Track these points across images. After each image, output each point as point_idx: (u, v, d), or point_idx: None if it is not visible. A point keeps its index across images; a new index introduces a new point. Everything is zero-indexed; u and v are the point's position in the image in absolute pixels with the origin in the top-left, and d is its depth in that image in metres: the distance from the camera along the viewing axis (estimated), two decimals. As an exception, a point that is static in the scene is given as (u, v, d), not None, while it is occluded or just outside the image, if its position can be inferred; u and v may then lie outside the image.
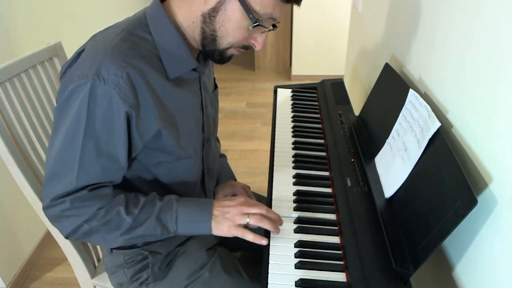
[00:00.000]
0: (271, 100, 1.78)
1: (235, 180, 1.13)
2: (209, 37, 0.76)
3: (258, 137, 2.77)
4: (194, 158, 0.88)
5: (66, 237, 0.78)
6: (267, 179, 1.00)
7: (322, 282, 0.72)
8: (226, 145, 2.62)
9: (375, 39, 1.45)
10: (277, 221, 0.82)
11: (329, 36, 3.56)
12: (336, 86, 1.40)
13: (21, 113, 0.98)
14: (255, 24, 0.72)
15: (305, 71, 3.73)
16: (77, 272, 1.09)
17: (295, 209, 0.88)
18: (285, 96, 1.41)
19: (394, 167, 0.85)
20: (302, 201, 0.91)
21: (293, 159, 1.06)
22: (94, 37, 0.80)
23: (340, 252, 0.78)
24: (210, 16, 0.73)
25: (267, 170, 1.04)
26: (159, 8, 0.76)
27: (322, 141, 1.15)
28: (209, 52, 0.79)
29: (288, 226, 0.83)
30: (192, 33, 0.78)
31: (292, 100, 1.38)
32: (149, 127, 0.76)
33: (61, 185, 0.73)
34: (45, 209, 0.76)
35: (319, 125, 1.22)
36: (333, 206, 0.89)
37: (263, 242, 0.78)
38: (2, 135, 0.90)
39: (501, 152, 0.62)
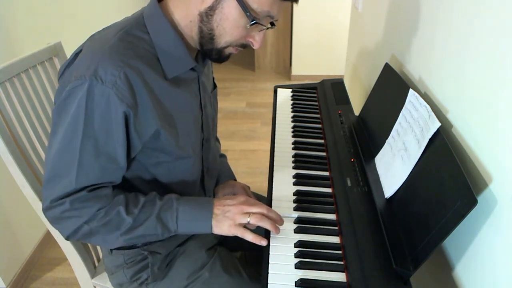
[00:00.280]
0: (271, 100, 1.78)
1: (235, 180, 1.13)
2: (206, 36, 0.75)
3: (258, 137, 2.77)
4: (193, 158, 0.88)
5: (67, 239, 0.78)
6: (267, 179, 1.00)
7: (322, 282, 0.72)
8: (226, 145, 2.62)
9: (375, 39, 1.45)
10: (278, 221, 0.82)
11: (329, 36, 3.56)
12: (336, 86, 1.40)
13: (21, 113, 0.98)
14: (252, 22, 0.72)
15: (305, 71, 3.73)
16: (77, 272, 1.09)
17: (295, 209, 0.88)
18: (285, 96, 1.41)
19: (394, 167, 0.85)
20: (302, 201, 0.91)
21: (293, 159, 1.06)
22: (91, 37, 0.80)
23: (340, 252, 0.78)
24: (207, 15, 0.73)
25: (267, 170, 1.04)
26: (156, 8, 0.76)
27: (322, 141, 1.15)
28: (207, 51, 0.79)
29: (288, 226, 0.83)
30: (190, 32, 0.78)
31: (292, 100, 1.38)
32: (147, 127, 0.75)
33: (60, 186, 0.73)
34: (45, 211, 0.76)
35: (319, 125, 1.22)
36: (333, 206, 0.89)
37: (263, 243, 0.77)
38: (2, 135, 0.90)
39: (501, 152, 0.62)
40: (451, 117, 0.80)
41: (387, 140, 0.93)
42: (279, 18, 0.76)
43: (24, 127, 0.99)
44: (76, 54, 0.76)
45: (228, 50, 0.79)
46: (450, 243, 0.77)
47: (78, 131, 0.70)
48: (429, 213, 0.68)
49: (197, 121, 0.89)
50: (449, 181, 0.67)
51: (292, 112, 1.31)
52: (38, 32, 1.79)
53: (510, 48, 0.60)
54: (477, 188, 0.67)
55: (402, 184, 0.80)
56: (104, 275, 1.07)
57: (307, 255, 0.77)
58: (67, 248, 1.03)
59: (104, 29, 0.81)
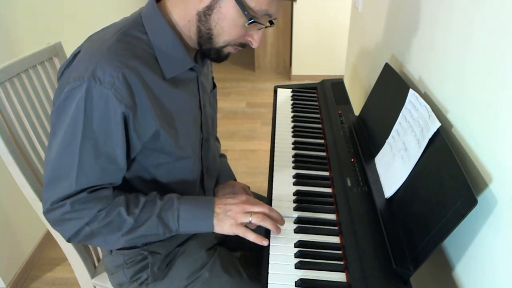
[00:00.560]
0: (271, 100, 1.78)
1: (235, 180, 1.13)
2: (205, 35, 0.75)
3: (258, 137, 2.77)
4: (193, 158, 0.88)
5: (68, 241, 0.78)
6: (267, 179, 1.00)
7: (322, 282, 0.72)
8: (226, 145, 2.62)
9: (375, 39, 1.45)
10: (279, 221, 0.82)
11: (329, 36, 3.55)
12: (336, 86, 1.40)
13: (21, 113, 0.98)
14: (250, 21, 0.72)
15: (305, 71, 3.73)
16: (77, 272, 1.09)
17: (295, 209, 0.88)
18: (285, 96, 1.41)
19: (394, 167, 0.85)
20: (302, 201, 0.91)
21: (293, 159, 1.06)
22: (90, 38, 0.80)
23: (340, 252, 0.78)
24: (205, 14, 0.73)
25: (267, 170, 1.04)
26: (154, 8, 0.76)
27: (322, 141, 1.15)
28: (206, 51, 0.79)
29: (288, 226, 0.83)
30: (188, 32, 0.78)
31: (292, 100, 1.38)
32: (146, 128, 0.75)
33: (60, 188, 0.73)
34: (45, 213, 0.76)
35: (319, 125, 1.22)
36: (333, 206, 0.89)
37: (264, 243, 0.77)
38: (2, 135, 0.90)
39: (501, 152, 0.62)
40: (451, 117, 0.80)
41: (387, 140, 0.93)
42: (278, 17, 0.76)
43: (24, 127, 0.99)
44: (75, 55, 0.76)
45: (227, 50, 0.79)
46: (450, 243, 0.77)
47: (77, 132, 0.70)
48: (429, 213, 0.68)
49: (197, 121, 0.89)
50: (449, 181, 0.67)
51: (292, 112, 1.31)
52: (38, 32, 1.79)
53: (510, 48, 0.60)
54: (477, 188, 0.67)
55: (402, 184, 0.80)
56: (104, 275, 1.07)
57: (307, 255, 0.77)
58: (67, 248, 1.03)
59: (102, 29, 0.81)
